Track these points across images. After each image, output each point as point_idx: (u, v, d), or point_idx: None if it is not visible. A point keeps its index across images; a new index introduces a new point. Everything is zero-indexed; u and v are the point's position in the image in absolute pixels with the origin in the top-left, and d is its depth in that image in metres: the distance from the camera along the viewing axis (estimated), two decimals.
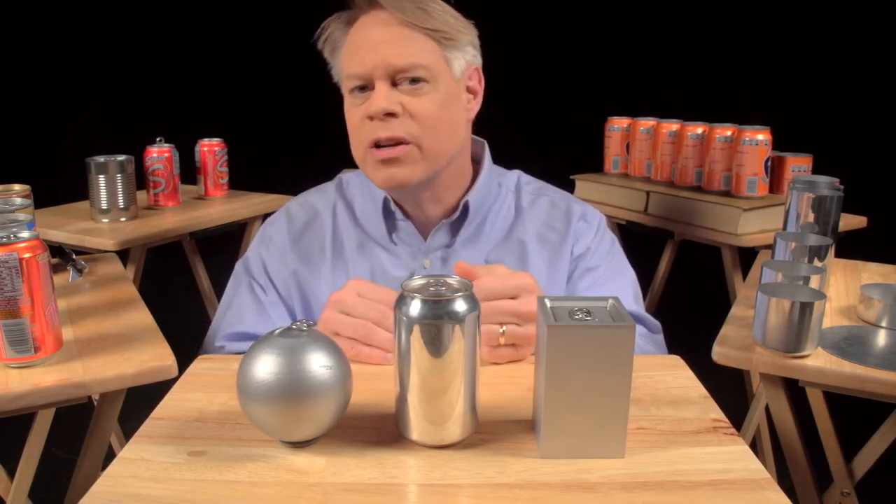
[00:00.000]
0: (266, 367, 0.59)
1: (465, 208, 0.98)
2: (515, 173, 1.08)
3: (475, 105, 0.98)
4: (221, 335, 0.98)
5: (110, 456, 0.68)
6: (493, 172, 1.03)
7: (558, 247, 1.00)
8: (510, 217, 1.02)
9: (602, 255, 1.01)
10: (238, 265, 1.04)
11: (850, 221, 1.70)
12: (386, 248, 0.99)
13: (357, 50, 0.91)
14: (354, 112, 0.93)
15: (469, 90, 0.97)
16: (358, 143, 0.94)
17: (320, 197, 1.06)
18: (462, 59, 0.94)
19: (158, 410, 0.68)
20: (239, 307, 0.99)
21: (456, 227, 0.98)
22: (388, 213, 0.99)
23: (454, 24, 0.93)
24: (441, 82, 0.91)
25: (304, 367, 0.59)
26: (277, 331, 0.61)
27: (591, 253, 1.01)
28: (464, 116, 0.96)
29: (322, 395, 0.59)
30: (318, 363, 0.59)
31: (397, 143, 0.90)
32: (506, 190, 1.04)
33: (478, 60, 0.98)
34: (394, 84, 0.90)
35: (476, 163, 1.03)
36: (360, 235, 1.00)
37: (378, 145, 0.91)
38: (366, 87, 0.91)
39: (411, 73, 0.89)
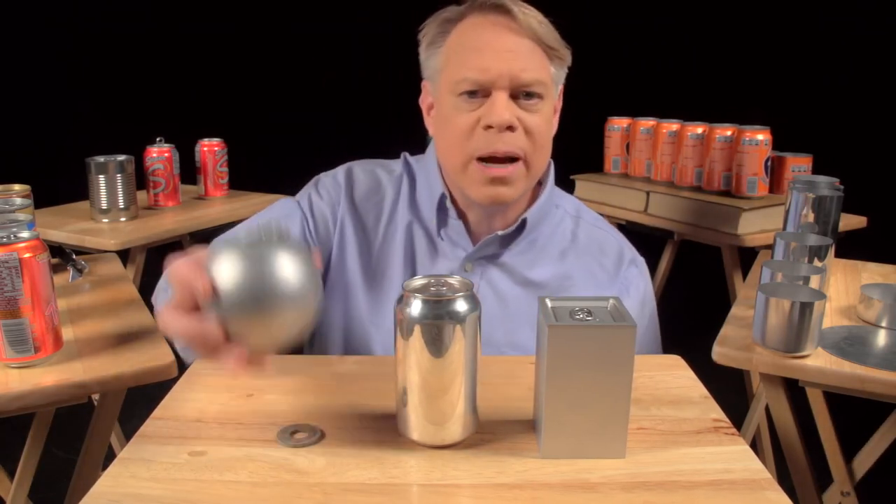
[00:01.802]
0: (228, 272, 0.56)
1: (523, 224, 0.95)
2: (574, 199, 1.06)
3: (556, 124, 0.98)
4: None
5: (110, 456, 0.68)
6: (552, 192, 1.01)
7: (606, 286, 0.98)
8: (564, 243, 0.99)
9: (650, 308, 1.01)
10: (285, 199, 1.02)
11: (850, 221, 1.70)
12: (432, 240, 0.97)
13: (478, 53, 0.88)
14: (463, 117, 0.89)
15: (553, 108, 0.96)
16: (462, 149, 0.90)
17: (385, 172, 1.02)
18: (560, 80, 0.94)
19: (158, 410, 0.68)
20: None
21: (507, 240, 0.96)
22: (441, 209, 0.96)
23: (562, 43, 0.92)
24: (548, 100, 0.91)
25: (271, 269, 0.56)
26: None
27: (645, 303, 0.99)
28: (552, 134, 0.96)
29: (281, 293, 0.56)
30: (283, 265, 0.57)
31: (509, 158, 0.88)
32: (563, 212, 1.02)
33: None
34: (511, 96, 0.88)
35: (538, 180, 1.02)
36: (412, 217, 0.98)
37: (489, 159, 0.88)
38: (478, 92, 0.88)
39: (532, 89, 0.88)
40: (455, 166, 0.92)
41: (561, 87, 0.97)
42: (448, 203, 0.96)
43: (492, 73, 0.86)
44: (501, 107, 0.86)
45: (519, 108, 0.88)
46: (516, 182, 0.90)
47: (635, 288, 0.99)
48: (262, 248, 0.58)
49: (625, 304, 0.96)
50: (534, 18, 0.89)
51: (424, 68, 0.97)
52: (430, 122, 0.99)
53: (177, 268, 0.58)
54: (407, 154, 1.05)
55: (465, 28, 0.91)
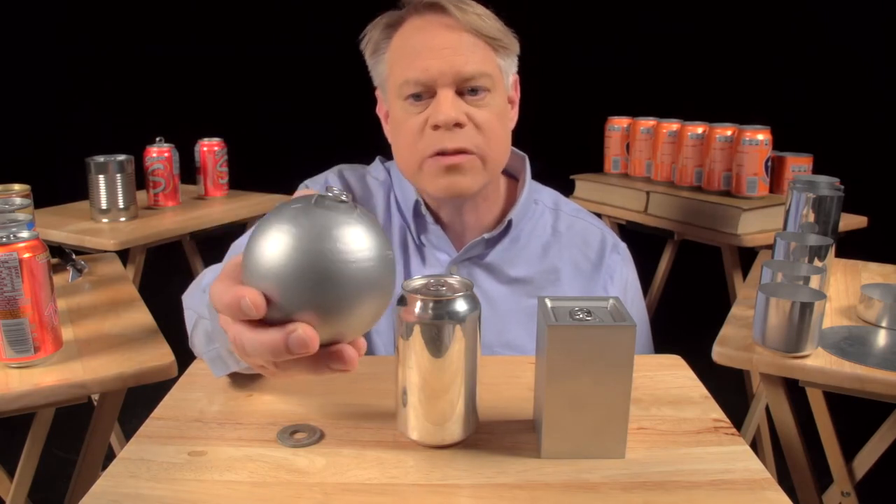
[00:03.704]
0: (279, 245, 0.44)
1: (509, 224, 0.95)
2: (551, 191, 1.05)
3: (515, 115, 0.97)
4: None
5: (110, 456, 0.68)
6: (531, 188, 1.01)
7: (590, 276, 0.98)
8: (545, 237, 0.99)
9: (633, 294, 1.01)
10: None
11: (850, 221, 1.70)
12: (417, 246, 0.97)
13: (417, 54, 0.87)
14: (412, 120, 0.89)
15: (509, 100, 0.95)
16: (414, 151, 0.89)
17: (372, 178, 1.02)
18: (511, 70, 0.94)
19: (158, 410, 0.68)
20: None
21: (493, 242, 0.96)
22: (417, 215, 0.96)
23: (507, 32, 0.91)
24: (498, 92, 0.90)
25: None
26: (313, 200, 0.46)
27: (628, 288, 0.99)
28: (510, 127, 0.95)
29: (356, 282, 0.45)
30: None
31: (460, 152, 0.87)
32: (542, 207, 1.01)
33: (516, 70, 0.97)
34: (457, 92, 0.87)
35: (514, 177, 1.01)
36: (402, 223, 0.98)
37: (440, 153, 0.88)
38: (423, 94, 0.88)
39: (477, 82, 0.87)
40: (411, 169, 0.92)
41: (514, 77, 0.96)
42: (423, 209, 0.95)
43: (432, 72, 0.86)
44: (447, 105, 0.85)
45: (466, 105, 0.87)
46: (472, 172, 0.89)
47: (619, 275, 0.99)
48: (310, 217, 0.45)
49: (609, 292, 0.97)
50: (472, 12, 0.88)
51: (373, 77, 0.96)
52: (387, 131, 0.98)
53: (215, 293, 0.48)
54: (382, 158, 1.04)
55: (405, 32, 0.90)
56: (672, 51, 3.05)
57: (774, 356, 0.88)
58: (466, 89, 0.87)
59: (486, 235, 0.95)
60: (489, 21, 0.89)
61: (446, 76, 0.86)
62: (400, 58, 0.90)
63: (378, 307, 0.47)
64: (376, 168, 1.04)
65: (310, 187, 1.01)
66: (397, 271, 0.95)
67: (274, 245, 0.44)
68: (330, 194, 0.46)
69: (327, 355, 0.47)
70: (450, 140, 0.86)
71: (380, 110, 0.99)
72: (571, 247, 0.99)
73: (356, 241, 0.45)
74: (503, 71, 0.92)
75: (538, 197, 1.02)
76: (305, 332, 0.44)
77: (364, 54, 0.96)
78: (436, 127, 0.86)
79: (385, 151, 1.04)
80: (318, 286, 0.44)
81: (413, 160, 0.90)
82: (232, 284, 0.47)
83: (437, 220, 0.97)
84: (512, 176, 1.02)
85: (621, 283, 0.98)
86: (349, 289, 0.45)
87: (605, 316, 0.60)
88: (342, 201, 0.46)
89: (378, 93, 0.98)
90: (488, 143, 0.89)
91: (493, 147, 0.90)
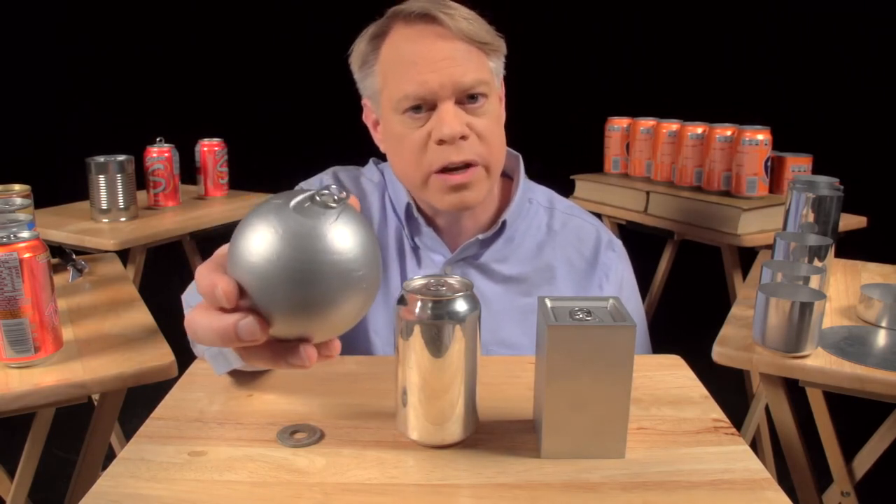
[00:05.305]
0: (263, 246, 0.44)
1: (503, 225, 0.95)
2: (545, 189, 1.05)
3: (503, 112, 0.96)
4: None
5: (110, 456, 0.68)
6: (525, 188, 1.00)
7: (585, 274, 0.98)
8: (540, 235, 0.99)
9: (629, 292, 1.00)
10: None
11: (850, 221, 1.70)
12: (412, 247, 0.97)
13: (413, 66, 0.85)
14: (414, 134, 0.87)
15: (499, 98, 0.95)
16: (419, 166, 0.88)
17: (367, 180, 1.02)
18: (501, 70, 0.93)
19: (158, 410, 0.68)
20: None
21: (487, 242, 0.96)
22: (409, 218, 0.96)
23: (494, 33, 0.90)
24: (493, 97, 0.90)
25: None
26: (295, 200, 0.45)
27: (624, 286, 0.99)
28: (503, 126, 0.95)
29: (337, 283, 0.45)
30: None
31: (466, 165, 0.87)
32: (536, 206, 1.01)
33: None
34: (457, 101, 0.86)
35: (508, 176, 1.01)
36: (398, 224, 0.98)
37: (447, 169, 0.87)
38: (422, 106, 0.87)
39: (475, 90, 0.86)
40: (415, 183, 0.91)
41: (503, 76, 0.95)
42: (415, 212, 0.95)
43: (432, 85, 0.85)
44: (451, 118, 0.85)
45: (466, 114, 0.87)
46: (478, 185, 0.89)
47: (614, 272, 0.98)
48: (295, 215, 0.44)
49: (605, 290, 0.97)
50: (461, 18, 0.86)
51: (362, 88, 0.96)
52: (378, 139, 0.98)
53: (198, 276, 0.47)
54: (376, 160, 1.04)
55: (394, 42, 0.89)
56: (672, 51, 3.05)
57: (774, 356, 0.88)
58: (465, 98, 0.87)
59: (480, 236, 0.95)
60: (477, 25, 0.88)
61: (446, 88, 0.85)
62: (394, 70, 0.88)
63: (351, 313, 0.47)
64: (370, 170, 1.04)
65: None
66: (395, 272, 0.96)
67: (250, 239, 0.44)
68: (318, 198, 0.45)
69: (286, 349, 0.47)
70: (455, 153, 0.86)
71: (367, 118, 0.99)
72: (566, 245, 0.99)
73: (332, 248, 0.44)
74: (495, 73, 0.91)
75: (532, 196, 1.02)
76: (255, 322, 0.45)
77: (351, 67, 0.95)
78: (440, 142, 0.86)
79: (382, 154, 1.04)
80: (287, 287, 0.44)
81: (418, 175, 0.89)
82: (213, 270, 0.47)
83: (431, 222, 0.97)
84: (506, 175, 1.02)
85: (617, 280, 0.98)
86: (318, 294, 0.44)
87: (605, 316, 0.60)
88: (329, 207, 0.45)
89: (366, 102, 0.97)
90: (490, 151, 0.89)
91: (494, 154, 0.90)
